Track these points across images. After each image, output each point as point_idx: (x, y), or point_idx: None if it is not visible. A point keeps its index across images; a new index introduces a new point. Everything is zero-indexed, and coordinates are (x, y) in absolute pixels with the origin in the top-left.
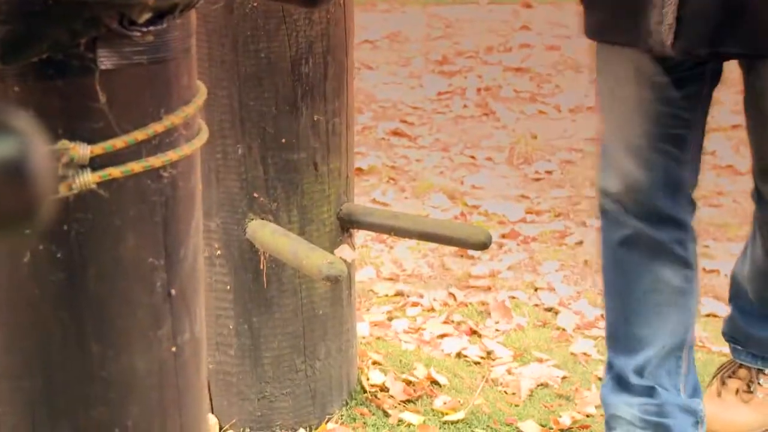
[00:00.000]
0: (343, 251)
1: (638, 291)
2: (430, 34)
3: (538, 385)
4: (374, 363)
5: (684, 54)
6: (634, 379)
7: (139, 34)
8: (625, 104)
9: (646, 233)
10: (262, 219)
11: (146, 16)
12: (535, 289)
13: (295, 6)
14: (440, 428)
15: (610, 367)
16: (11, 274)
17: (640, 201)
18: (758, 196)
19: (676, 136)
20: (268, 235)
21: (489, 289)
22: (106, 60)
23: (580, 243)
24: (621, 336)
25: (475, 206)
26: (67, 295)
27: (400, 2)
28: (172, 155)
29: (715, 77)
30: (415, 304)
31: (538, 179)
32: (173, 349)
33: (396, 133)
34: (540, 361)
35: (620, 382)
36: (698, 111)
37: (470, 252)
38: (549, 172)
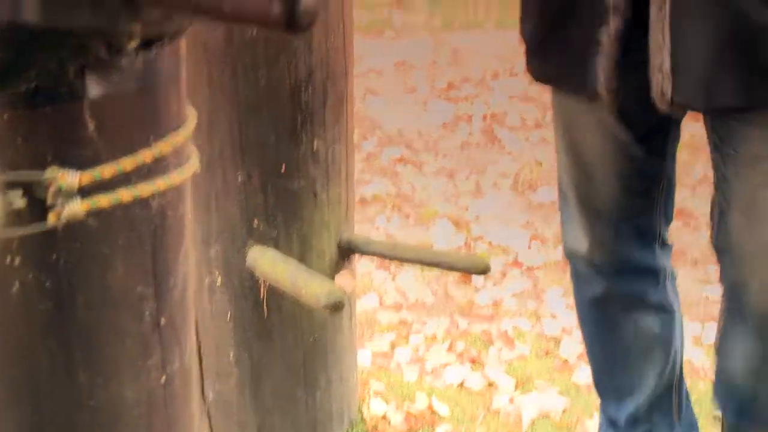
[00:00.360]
0: (344, 280)
1: (619, 344)
2: (437, 61)
3: (539, 415)
4: (376, 393)
5: (680, 109)
6: (628, 427)
7: (127, 61)
8: (587, 158)
9: (619, 289)
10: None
11: (134, 44)
12: (538, 318)
13: (276, 32)
14: None
15: (603, 408)
16: None
17: (609, 259)
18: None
19: (642, 190)
20: (268, 262)
21: (492, 317)
22: (94, 88)
23: None
24: (608, 385)
25: (480, 236)
26: (55, 324)
27: (407, 29)
28: (161, 183)
29: (679, 125)
30: (417, 332)
31: (542, 206)
32: (162, 378)
33: (401, 159)
34: (542, 390)
35: (615, 426)
36: (665, 162)
37: (474, 280)
38: (553, 201)
